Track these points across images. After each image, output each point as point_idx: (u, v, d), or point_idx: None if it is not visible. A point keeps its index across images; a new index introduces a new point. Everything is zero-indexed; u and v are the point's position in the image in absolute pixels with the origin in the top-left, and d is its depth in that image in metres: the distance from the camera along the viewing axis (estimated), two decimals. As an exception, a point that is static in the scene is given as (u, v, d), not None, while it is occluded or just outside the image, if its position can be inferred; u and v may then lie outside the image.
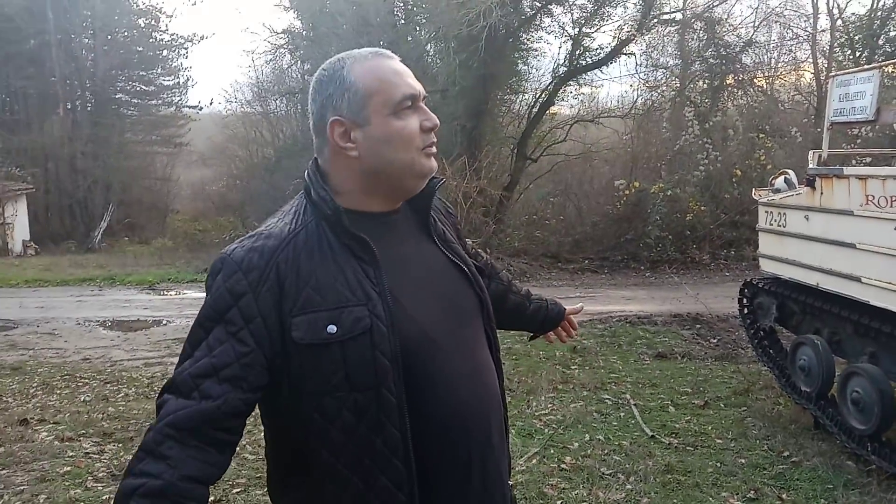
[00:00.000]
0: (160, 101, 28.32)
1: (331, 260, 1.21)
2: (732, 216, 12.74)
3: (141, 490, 1.07)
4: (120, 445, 4.76)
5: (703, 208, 12.42)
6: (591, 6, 15.07)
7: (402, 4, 16.30)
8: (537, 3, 14.96)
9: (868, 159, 6.83)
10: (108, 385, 6.35)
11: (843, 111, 4.39)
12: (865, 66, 5.66)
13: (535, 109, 15.38)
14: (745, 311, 5.84)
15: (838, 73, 4.80)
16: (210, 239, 17.09)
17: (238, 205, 19.71)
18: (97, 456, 4.61)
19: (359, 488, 1.20)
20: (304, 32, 16.91)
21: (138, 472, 1.10)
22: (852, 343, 4.61)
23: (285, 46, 17.99)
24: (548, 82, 15.60)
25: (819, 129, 13.73)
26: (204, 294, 1.25)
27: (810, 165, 4.76)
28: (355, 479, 1.20)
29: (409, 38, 15.79)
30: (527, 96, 16.73)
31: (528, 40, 15.69)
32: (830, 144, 4.86)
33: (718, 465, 4.23)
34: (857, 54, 14.57)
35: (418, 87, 1.29)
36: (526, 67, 16.01)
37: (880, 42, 14.46)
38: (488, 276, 1.69)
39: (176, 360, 1.26)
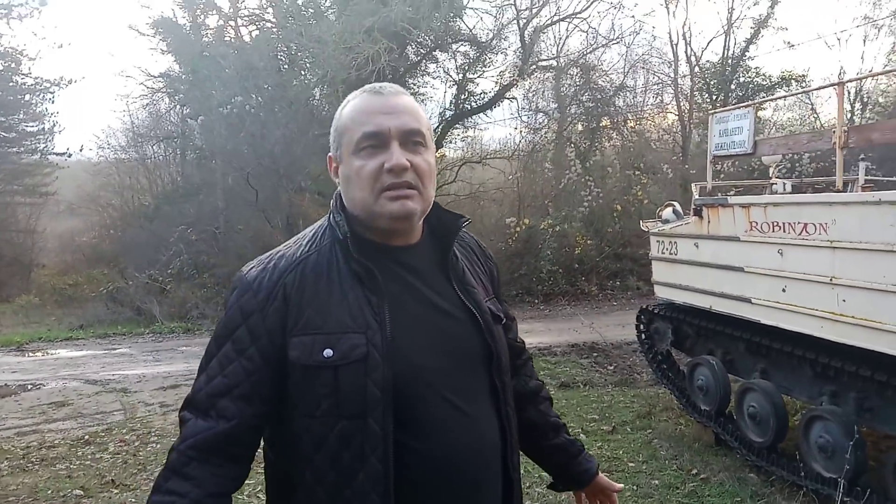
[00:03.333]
0: (22, 149, 26.21)
1: (337, 284, 1.23)
2: (615, 248, 13.45)
3: None
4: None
5: (588, 242, 13.03)
6: (473, 53, 15.71)
7: (285, 49, 16.19)
8: (422, 50, 15.38)
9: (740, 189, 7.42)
10: (-25, 460, 5.66)
11: (723, 145, 4.77)
12: (741, 105, 6.20)
13: (422, 151, 15.61)
14: (643, 336, 6.11)
15: (717, 110, 5.22)
16: (83, 294, 15.86)
17: (112, 256, 18.46)
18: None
19: None
20: (184, 76, 16.38)
21: (165, 490, 1.18)
22: (745, 361, 4.93)
23: (163, 90, 17.35)
24: (435, 125, 15.96)
25: (686, 166, 14.96)
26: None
27: (696, 196, 5.11)
28: None
29: (295, 83, 15.68)
30: (415, 139, 16.98)
31: (414, 85, 16.06)
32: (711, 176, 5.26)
33: (635, 488, 4.34)
34: (714, 97, 16.00)
35: (390, 124, 1.24)
36: (414, 111, 16.30)
37: (732, 87, 15.98)
38: (512, 368, 1.48)
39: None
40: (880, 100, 15.57)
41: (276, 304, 1.21)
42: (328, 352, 1.18)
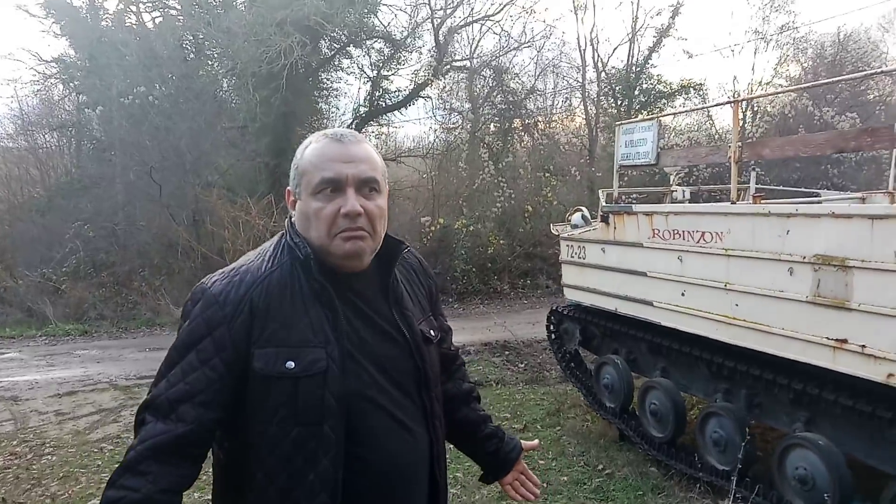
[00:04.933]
0: None
1: (299, 301, 1.34)
2: (526, 248, 13.76)
3: (122, 501, 1.22)
4: None
5: (501, 242, 13.26)
6: (388, 50, 15.63)
7: (191, 38, 15.56)
8: (336, 45, 15.17)
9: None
10: None
11: (629, 155, 4.99)
12: (646, 117, 6.48)
13: (337, 148, 15.43)
14: (553, 336, 6.32)
15: (624, 122, 5.46)
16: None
17: (-1, 251, 17.19)
18: None
19: None
20: (80, 62, 15.42)
21: (119, 486, 1.24)
22: (647, 360, 5.19)
23: (56, 76, 16.26)
24: (349, 122, 15.80)
25: (593, 169, 15.52)
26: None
27: (602, 203, 5.32)
28: None
29: (202, 73, 15.10)
30: (328, 135, 16.78)
31: (328, 80, 15.83)
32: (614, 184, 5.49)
33: (546, 485, 4.49)
34: (619, 102, 16.65)
35: (347, 171, 1.36)
36: (327, 106, 16.12)
37: (636, 93, 16.68)
38: (446, 374, 1.68)
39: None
40: (769, 108, 16.69)
41: (243, 317, 1.30)
42: (290, 364, 1.29)
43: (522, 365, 8.12)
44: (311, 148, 1.41)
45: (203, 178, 13.82)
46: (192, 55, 15.55)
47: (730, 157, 3.99)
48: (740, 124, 4.51)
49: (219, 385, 1.30)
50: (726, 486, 4.07)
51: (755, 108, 16.64)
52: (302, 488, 1.29)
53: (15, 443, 5.86)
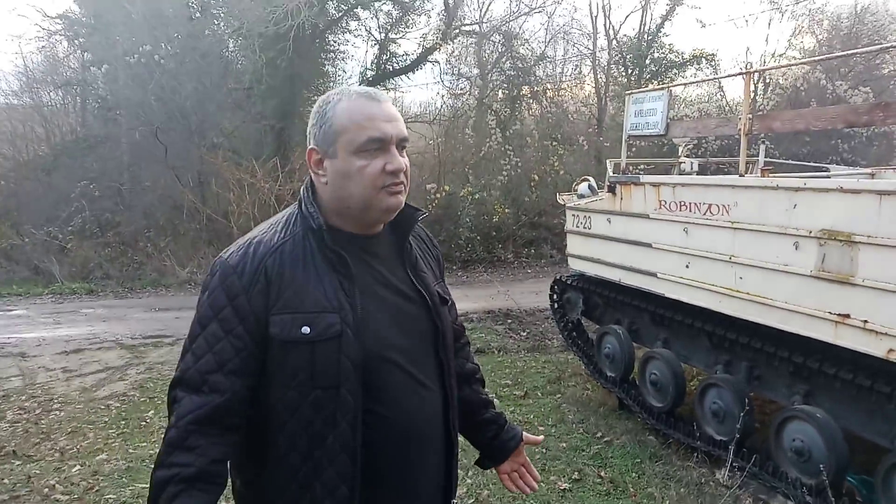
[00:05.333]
0: None
1: (312, 269, 1.37)
2: (531, 217, 13.74)
3: (176, 478, 1.25)
4: None
5: (506, 211, 13.24)
6: (396, 13, 15.41)
7: (198, -3, 15.35)
8: (343, 6, 14.95)
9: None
10: None
11: (638, 125, 4.95)
12: (657, 87, 6.41)
13: (343, 112, 15.32)
14: (556, 305, 6.35)
15: (634, 91, 5.40)
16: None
17: (5, 210, 17.22)
18: None
19: (307, 478, 1.34)
20: (85, 19, 15.26)
21: (169, 464, 1.27)
22: (649, 331, 5.22)
23: (61, 33, 16.09)
24: (357, 84, 15.65)
25: (601, 139, 15.39)
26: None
27: (610, 173, 5.30)
28: (305, 469, 1.34)
29: (207, 32, 14.93)
30: (335, 98, 16.67)
31: (335, 42, 15.64)
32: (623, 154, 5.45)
33: (545, 450, 4.56)
34: (629, 71, 16.44)
35: (390, 131, 1.39)
36: (334, 69, 15.95)
37: (647, 62, 16.45)
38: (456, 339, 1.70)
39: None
40: (781, 81, 16.46)
41: (259, 285, 1.34)
42: (306, 329, 1.32)
43: (524, 333, 8.17)
44: (344, 106, 1.40)
45: (208, 140, 13.78)
46: (197, 14, 15.36)
47: (740, 130, 3.95)
48: (752, 96, 4.46)
49: (245, 353, 1.33)
50: (723, 456, 4.13)
51: (767, 81, 16.42)
52: (322, 450, 1.33)
53: (24, 398, 5.96)
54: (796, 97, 14.96)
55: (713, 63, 16.67)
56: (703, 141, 13.41)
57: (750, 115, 3.86)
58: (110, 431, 5.15)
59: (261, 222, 1.53)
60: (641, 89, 5.71)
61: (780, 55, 16.71)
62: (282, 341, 1.32)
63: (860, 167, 7.89)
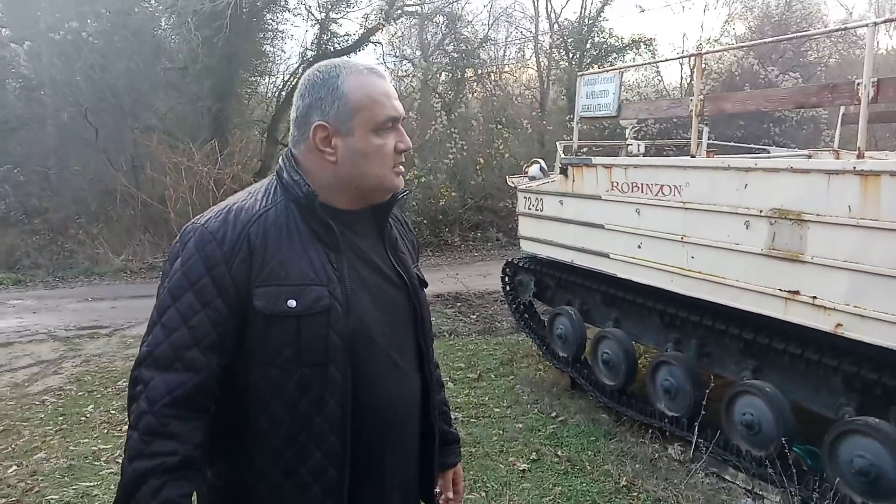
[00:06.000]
0: None
1: (297, 240, 1.29)
2: (477, 201, 13.77)
3: (159, 469, 1.15)
4: None
5: (452, 194, 13.22)
6: (337, -8, 15.08)
7: (126, -30, 14.62)
8: (282, -16, 14.53)
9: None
10: None
11: (590, 107, 4.97)
12: (609, 68, 6.45)
13: (284, 93, 14.97)
14: (507, 288, 6.37)
15: (586, 72, 5.43)
16: None
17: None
18: None
19: (291, 462, 1.26)
20: (2, -8, 14.36)
21: (150, 453, 1.16)
22: (600, 311, 5.29)
23: (-24, 7, 15.10)
24: (296, 66, 15.29)
25: (545, 122, 15.51)
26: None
27: (561, 155, 5.31)
28: (289, 453, 1.26)
29: (137, 10, 14.27)
30: (275, 79, 16.29)
31: (273, 21, 15.20)
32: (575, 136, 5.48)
33: (502, 432, 4.57)
34: (571, 55, 16.60)
35: (400, 109, 1.37)
36: (272, 49, 15.54)
37: (588, 46, 16.63)
38: None
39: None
40: (715, 66, 16.94)
41: (242, 254, 1.24)
42: (292, 302, 1.24)
43: (475, 316, 8.18)
44: (355, 81, 1.32)
45: (142, 122, 13.21)
46: (128, -10, 14.66)
47: (691, 111, 4.01)
48: (700, 78, 4.53)
49: (223, 328, 1.23)
50: (676, 432, 4.23)
51: (703, 66, 16.90)
52: (308, 433, 1.26)
53: (-52, 396, 5.60)
54: (731, 82, 15.40)
55: (651, 48, 17.01)
56: (644, 124, 13.68)
57: (701, 97, 3.92)
58: (47, 428, 4.89)
59: (199, 207, 1.41)
60: (593, 71, 5.75)
61: (716, 40, 17.19)
62: (266, 315, 1.23)
63: (791, 149, 8.19)
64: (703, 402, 4.15)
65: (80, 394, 5.69)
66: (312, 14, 15.26)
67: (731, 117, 13.03)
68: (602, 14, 16.54)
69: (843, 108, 5.55)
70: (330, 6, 15.16)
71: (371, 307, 1.34)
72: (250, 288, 1.24)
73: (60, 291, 10.16)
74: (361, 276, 1.35)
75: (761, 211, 3.47)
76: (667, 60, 15.71)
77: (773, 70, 14.89)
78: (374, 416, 1.33)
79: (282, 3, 14.96)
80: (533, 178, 5.78)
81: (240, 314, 1.24)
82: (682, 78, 17.67)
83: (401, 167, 1.39)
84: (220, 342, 1.23)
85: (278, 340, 1.24)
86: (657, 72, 17.10)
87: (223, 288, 1.23)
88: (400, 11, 15.37)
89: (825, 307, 3.17)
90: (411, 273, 1.46)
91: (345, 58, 1.40)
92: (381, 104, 1.33)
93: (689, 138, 5.44)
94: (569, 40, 16.61)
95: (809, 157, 5.61)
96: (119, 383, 5.89)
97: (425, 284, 1.53)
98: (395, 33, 15.82)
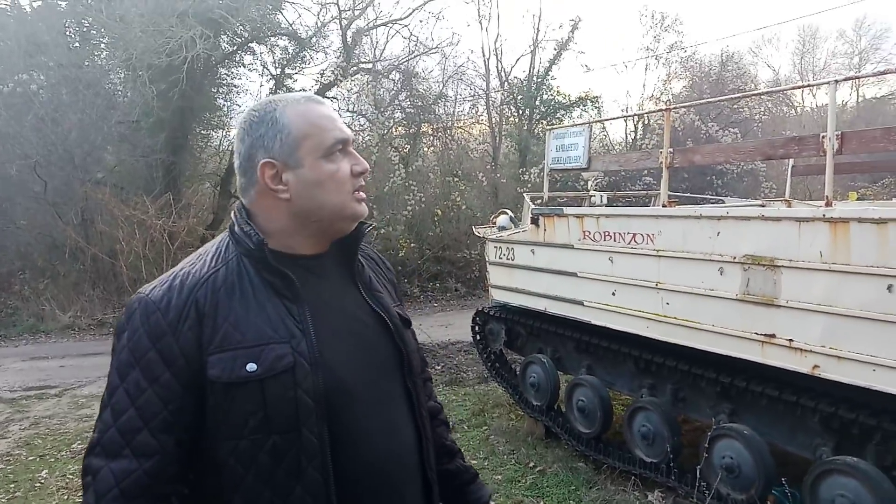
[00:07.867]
0: None
1: (251, 297, 1.18)
2: (436, 252, 13.85)
3: None
4: None
5: (411, 245, 13.28)
6: (292, 48, 15.26)
7: (76, 25, 14.49)
8: (238, 39, 14.64)
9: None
10: None
11: (559, 160, 5.13)
12: (578, 122, 6.67)
13: (237, 146, 14.90)
14: (478, 337, 6.38)
15: (555, 127, 5.62)
16: None
17: None
18: None
19: None
20: (-52, 44, 14.00)
21: None
22: (572, 359, 5.34)
23: (-81, 58, 14.66)
24: (251, 120, 15.26)
25: (497, 175, 15.82)
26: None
27: (531, 206, 5.43)
28: None
29: (87, 63, 14.11)
30: (228, 132, 16.22)
31: (227, 76, 15.25)
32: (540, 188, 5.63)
33: (482, 484, 4.50)
34: (520, 111, 17.11)
35: (348, 132, 1.30)
36: (227, 103, 15.53)
37: (536, 103, 17.19)
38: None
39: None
40: (656, 123, 17.74)
41: (190, 321, 1.14)
42: (251, 366, 1.13)
43: (440, 367, 8.13)
44: (293, 111, 1.25)
45: (93, 175, 12.91)
46: (76, 43, 14.49)
47: (661, 163, 4.19)
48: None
49: (175, 405, 1.13)
50: (655, 478, 4.26)
51: (646, 122, 17.63)
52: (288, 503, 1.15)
53: None
54: (674, 137, 16.11)
55: (597, 105, 17.70)
56: (594, 177, 14.10)
57: (671, 150, 4.10)
58: (-2, 496, 4.60)
59: (151, 261, 1.34)
60: (563, 125, 5.95)
61: (657, 98, 18.02)
62: (225, 384, 1.12)
63: (739, 199, 8.57)
64: (682, 447, 4.22)
65: (30, 458, 5.39)
66: (268, 69, 15.39)
67: (676, 170, 13.57)
68: (550, 73, 17.19)
69: (791, 161, 5.87)
70: (286, 62, 15.33)
71: (347, 358, 1.23)
72: (202, 357, 1.14)
73: (3, 350, 9.67)
74: (331, 325, 1.24)
75: (734, 257, 3.61)
76: (635, 115, 16.33)
77: (712, 125, 15.65)
78: (363, 477, 1.21)
79: (237, 59, 15.07)
80: (502, 228, 5.88)
81: (193, 387, 1.14)
82: (626, 134, 18.47)
83: (361, 193, 1.30)
84: (172, 421, 1.13)
85: (242, 409, 1.13)
86: (603, 127, 17.76)
87: (171, 360, 1.13)
88: (356, 68, 15.64)
89: (802, 349, 3.30)
90: (391, 313, 1.34)
91: (293, 94, 1.32)
92: (325, 128, 1.26)
93: (638, 190, 5.66)
94: (518, 97, 17.15)
95: (763, 206, 5.89)
96: (73, 446, 5.61)
97: (409, 323, 1.41)
98: (351, 89, 16.03)
